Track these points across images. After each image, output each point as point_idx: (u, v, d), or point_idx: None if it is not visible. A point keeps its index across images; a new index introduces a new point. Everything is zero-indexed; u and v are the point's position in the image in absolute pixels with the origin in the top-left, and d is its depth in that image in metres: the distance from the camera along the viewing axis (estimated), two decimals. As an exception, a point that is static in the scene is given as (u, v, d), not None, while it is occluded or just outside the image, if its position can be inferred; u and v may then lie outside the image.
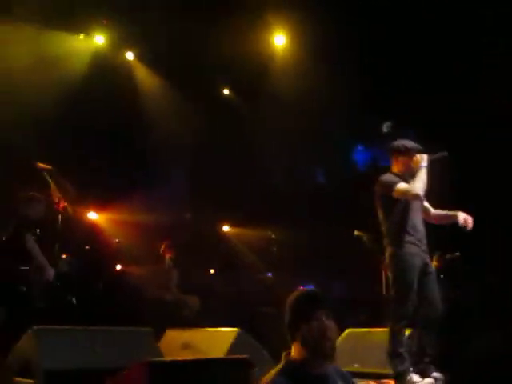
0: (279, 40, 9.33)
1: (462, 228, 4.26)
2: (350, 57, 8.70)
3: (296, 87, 9.37)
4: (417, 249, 4.17)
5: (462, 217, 4.27)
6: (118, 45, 9.15)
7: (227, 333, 4.37)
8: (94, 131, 8.73)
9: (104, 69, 8.90)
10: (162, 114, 9.70)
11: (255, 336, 4.92)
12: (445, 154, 4.33)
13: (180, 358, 3.77)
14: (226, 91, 10.73)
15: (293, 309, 2.25)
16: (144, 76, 9.78)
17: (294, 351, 2.23)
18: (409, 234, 4.18)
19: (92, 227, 8.45)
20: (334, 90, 8.78)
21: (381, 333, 4.52)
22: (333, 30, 8.20)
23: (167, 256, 7.61)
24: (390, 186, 4.18)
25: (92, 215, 8.55)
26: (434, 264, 6.66)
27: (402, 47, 8.53)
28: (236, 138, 10.54)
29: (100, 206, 8.86)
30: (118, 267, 7.67)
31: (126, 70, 9.51)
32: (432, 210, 4.52)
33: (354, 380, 2.49)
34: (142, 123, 9.60)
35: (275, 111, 9.80)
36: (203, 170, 11.03)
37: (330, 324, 2.20)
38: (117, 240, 7.69)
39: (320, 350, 2.16)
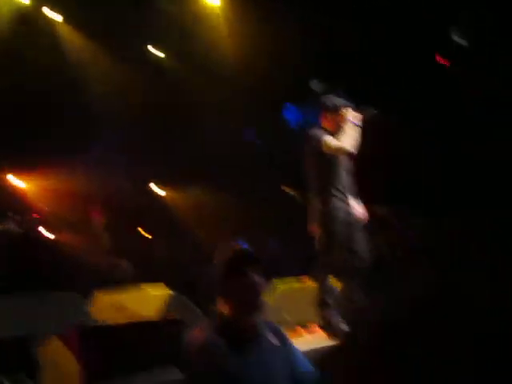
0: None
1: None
2: (287, 18, 8.60)
3: (228, 47, 9.24)
4: (343, 204, 4.26)
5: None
6: (42, 4, 8.69)
7: (160, 294, 4.36)
8: (21, 93, 8.31)
9: (28, 29, 8.45)
10: (92, 77, 9.35)
11: (192, 296, 4.94)
12: (374, 111, 4.39)
13: (112, 322, 3.75)
14: (151, 48, 10.41)
15: (223, 265, 2.25)
16: (71, 37, 9.36)
17: (223, 306, 2.24)
18: (335, 188, 4.25)
19: (20, 195, 8.14)
20: (269, 48, 8.70)
21: (311, 285, 4.64)
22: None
23: (96, 220, 7.40)
24: (319, 141, 4.21)
25: (18, 182, 8.23)
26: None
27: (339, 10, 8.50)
28: (167, 98, 10.34)
29: (28, 173, 8.55)
30: (49, 235, 7.45)
31: (51, 30, 9.05)
32: None
33: (283, 329, 2.54)
34: (70, 86, 9.22)
35: (207, 72, 9.64)
36: (135, 133, 10.80)
37: (260, 280, 2.23)
38: (46, 208, 7.42)
39: (248, 304, 2.19)
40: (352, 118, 4.24)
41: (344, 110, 4.31)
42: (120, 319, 4.16)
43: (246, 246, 6.43)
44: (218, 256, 2.31)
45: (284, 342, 2.35)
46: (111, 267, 7.07)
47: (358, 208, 4.42)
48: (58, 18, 9.00)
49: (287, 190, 5.39)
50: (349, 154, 4.23)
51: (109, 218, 7.50)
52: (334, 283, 4.33)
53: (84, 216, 7.60)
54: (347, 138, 4.16)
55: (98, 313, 4.45)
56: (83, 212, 7.67)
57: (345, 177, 4.35)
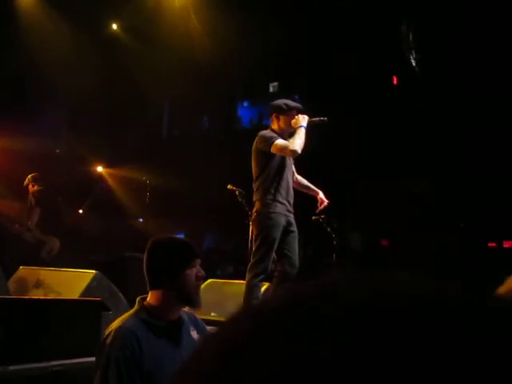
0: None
1: (317, 205, 4.47)
2: (249, 13, 8.61)
3: (192, 37, 9.15)
4: (283, 208, 4.26)
5: (321, 196, 4.48)
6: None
7: (83, 274, 4.25)
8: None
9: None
10: (45, 41, 9.03)
11: (120, 281, 4.85)
12: (325, 119, 4.41)
13: (28, 297, 3.62)
14: (114, 26, 10.20)
15: (169, 255, 2.20)
16: (29, 3, 9.02)
17: (152, 297, 2.20)
18: (278, 192, 4.23)
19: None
20: (229, 46, 8.68)
21: (241, 284, 4.64)
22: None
23: (31, 190, 7.10)
24: (268, 141, 4.18)
25: None
26: None
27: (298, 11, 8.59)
28: (123, 78, 10.14)
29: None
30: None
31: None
32: (296, 175, 4.60)
33: (208, 327, 2.52)
34: (23, 51, 8.89)
35: (167, 59, 9.52)
36: (84, 107, 10.54)
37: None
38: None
39: (196, 297, 2.19)
40: (301, 120, 4.25)
41: (295, 112, 4.31)
42: (39, 296, 4.03)
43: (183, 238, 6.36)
44: (164, 246, 2.26)
45: (204, 335, 2.33)
46: (38, 244, 6.84)
47: (321, 195, 4.45)
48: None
49: (231, 187, 5.34)
50: (295, 155, 4.22)
51: (45, 191, 7.21)
52: (262, 286, 4.33)
53: (20, 185, 7.30)
54: (297, 139, 4.16)
55: (18, 287, 4.30)
56: (19, 180, 7.36)
57: (289, 180, 4.35)
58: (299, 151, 4.16)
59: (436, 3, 7.77)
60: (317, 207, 4.52)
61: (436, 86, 7.99)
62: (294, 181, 4.53)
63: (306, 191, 4.66)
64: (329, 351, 0.28)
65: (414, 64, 8.43)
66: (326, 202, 4.48)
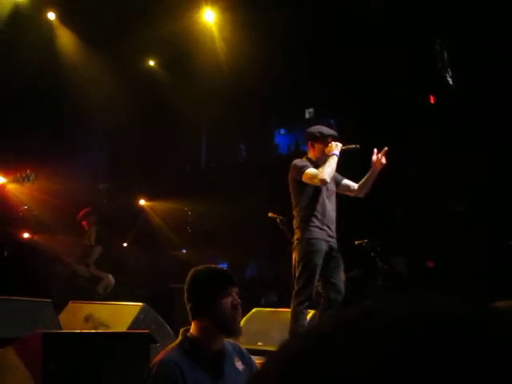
0: (209, 16, 9.11)
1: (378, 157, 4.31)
2: (280, 40, 8.72)
3: (223, 66, 9.31)
4: (323, 233, 4.25)
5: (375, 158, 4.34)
6: (39, 3, 8.70)
7: (131, 307, 4.32)
8: (11, 91, 8.28)
9: (23, 27, 8.46)
10: (84, 80, 9.35)
11: (166, 312, 4.90)
12: (357, 146, 4.41)
13: (78, 331, 3.69)
14: (151, 63, 10.50)
15: (205, 284, 2.23)
16: (66, 38, 9.36)
17: (194, 328, 2.23)
18: (317, 218, 4.24)
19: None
20: (262, 72, 8.80)
21: (286, 313, 4.62)
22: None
23: (90, 228, 7.22)
24: (300, 170, 4.23)
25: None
26: None
27: (332, 37, 8.64)
28: (160, 112, 10.38)
29: (10, 170, 8.44)
30: (26, 235, 7.33)
31: (47, 30, 9.07)
32: (355, 185, 4.53)
33: (255, 357, 2.52)
34: (63, 87, 9.22)
35: (201, 89, 9.71)
36: (124, 141, 10.81)
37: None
38: (25, 206, 7.29)
39: (233, 325, 2.19)
40: (334, 147, 4.27)
41: (329, 139, 4.33)
42: (89, 329, 4.11)
43: (225, 267, 6.40)
44: (197, 276, 2.29)
45: (250, 366, 2.33)
46: (94, 280, 6.97)
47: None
48: (52, 16, 9.01)
49: (272, 215, 5.37)
50: (324, 184, 4.23)
51: (101, 228, 7.37)
52: (307, 314, 4.30)
53: (70, 221, 7.48)
54: (327, 168, 4.18)
55: (68, 321, 4.39)
56: (68, 216, 7.56)
57: (327, 205, 4.35)
58: (328, 180, 4.18)
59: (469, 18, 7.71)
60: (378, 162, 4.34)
61: (473, 103, 7.88)
62: (358, 189, 4.48)
63: (372, 180, 4.47)
64: (367, 365, 0.32)
65: (450, 82, 8.35)
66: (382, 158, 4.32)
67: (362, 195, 4.55)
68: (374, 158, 4.35)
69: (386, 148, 4.34)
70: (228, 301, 2.18)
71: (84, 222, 7.30)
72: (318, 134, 4.38)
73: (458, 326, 0.33)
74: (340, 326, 0.36)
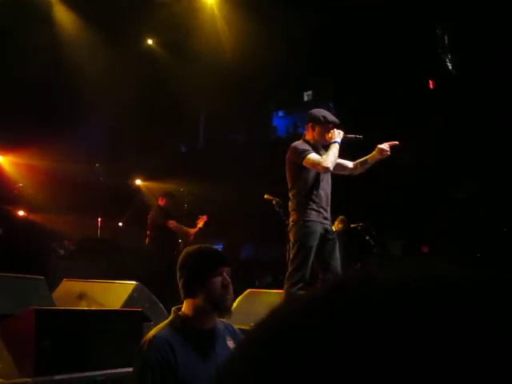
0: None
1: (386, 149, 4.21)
2: (280, 21, 8.64)
3: (223, 46, 9.24)
4: (319, 215, 4.23)
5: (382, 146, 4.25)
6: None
7: (125, 285, 4.32)
8: (9, 68, 8.21)
9: (22, 6, 8.35)
10: (83, 59, 9.27)
11: (159, 291, 4.90)
12: (360, 136, 4.34)
13: (72, 308, 3.70)
14: (150, 41, 10.40)
15: (195, 264, 2.24)
16: (64, 16, 9.25)
17: (186, 306, 2.23)
18: (313, 201, 4.21)
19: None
20: (262, 55, 8.72)
21: (279, 294, 4.63)
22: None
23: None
24: (301, 154, 4.17)
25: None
26: (337, 226, 6.85)
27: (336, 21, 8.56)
28: (159, 91, 10.30)
29: (6, 149, 8.42)
30: (21, 213, 7.31)
31: (45, 9, 8.96)
32: (349, 163, 4.46)
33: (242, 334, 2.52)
34: (60, 65, 9.14)
35: (201, 69, 9.63)
36: (122, 121, 10.74)
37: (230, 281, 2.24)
38: (20, 184, 7.25)
39: (222, 304, 2.19)
40: (337, 135, 4.21)
41: (331, 126, 4.28)
42: (82, 307, 4.12)
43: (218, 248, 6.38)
44: (190, 256, 2.29)
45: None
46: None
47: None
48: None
49: (268, 196, 5.36)
50: (327, 172, 4.19)
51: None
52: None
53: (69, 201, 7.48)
54: (331, 156, 4.13)
55: (62, 299, 4.40)
56: (60, 194, 7.54)
57: (324, 188, 4.31)
58: (331, 168, 4.12)
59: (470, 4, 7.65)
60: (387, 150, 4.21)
61: (474, 88, 7.84)
62: (354, 167, 4.41)
63: (372, 162, 4.35)
64: (365, 332, 0.31)
65: (450, 67, 8.30)
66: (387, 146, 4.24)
67: (356, 173, 4.51)
68: (382, 146, 4.28)
69: (396, 142, 4.29)
70: (218, 280, 2.19)
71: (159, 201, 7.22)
72: (322, 119, 4.29)
73: (464, 296, 0.32)
74: (339, 290, 0.35)
